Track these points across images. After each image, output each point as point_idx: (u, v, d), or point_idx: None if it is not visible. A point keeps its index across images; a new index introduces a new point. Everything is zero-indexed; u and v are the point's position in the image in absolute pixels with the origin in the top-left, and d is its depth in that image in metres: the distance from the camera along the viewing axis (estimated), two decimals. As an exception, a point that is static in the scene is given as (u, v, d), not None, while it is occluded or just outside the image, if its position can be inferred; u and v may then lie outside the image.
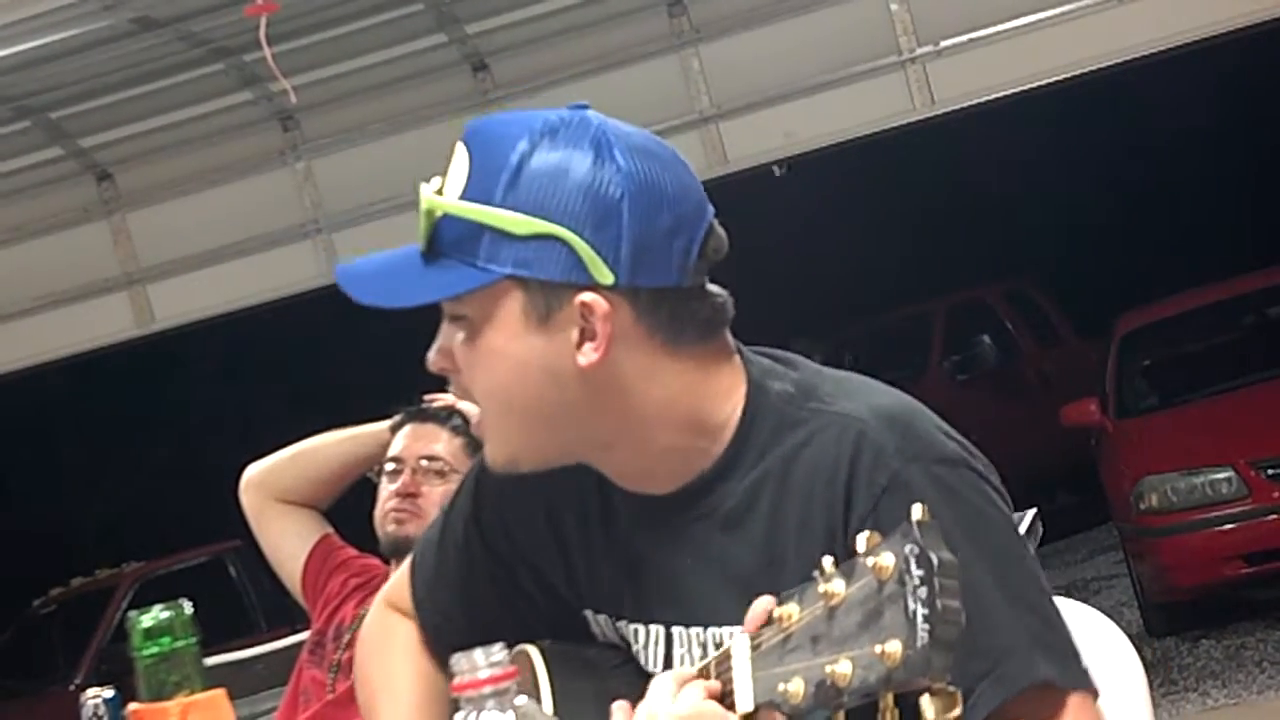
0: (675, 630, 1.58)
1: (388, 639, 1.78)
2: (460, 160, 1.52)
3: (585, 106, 1.55)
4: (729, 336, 1.58)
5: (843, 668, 1.19)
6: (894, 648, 1.15)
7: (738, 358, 1.60)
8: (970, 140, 11.86)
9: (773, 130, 7.24)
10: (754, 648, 1.29)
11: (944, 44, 7.03)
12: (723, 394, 1.56)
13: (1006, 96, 7.16)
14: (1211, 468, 7.84)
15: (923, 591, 1.15)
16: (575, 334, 1.49)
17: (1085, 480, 9.51)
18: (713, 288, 1.56)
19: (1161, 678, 7.32)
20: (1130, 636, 2.06)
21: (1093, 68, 7.08)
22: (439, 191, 1.52)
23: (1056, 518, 6.99)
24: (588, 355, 1.49)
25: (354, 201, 7.42)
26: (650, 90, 7.28)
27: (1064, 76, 7.11)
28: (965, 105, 7.17)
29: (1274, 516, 7.66)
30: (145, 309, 7.66)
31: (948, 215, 14.95)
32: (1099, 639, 2.04)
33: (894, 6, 7.03)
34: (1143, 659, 2.03)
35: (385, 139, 7.46)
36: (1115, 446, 8.57)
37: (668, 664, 1.59)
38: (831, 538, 1.48)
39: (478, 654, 1.31)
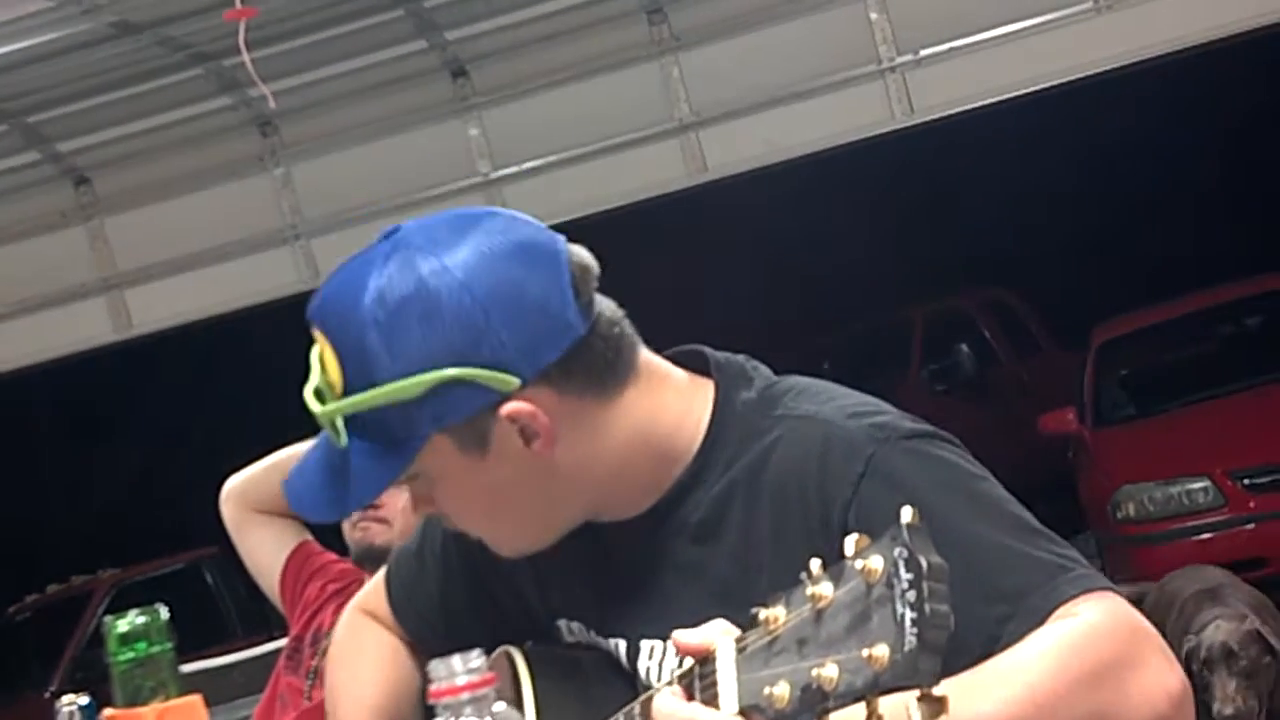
0: (644, 643, 1.58)
1: (357, 646, 1.79)
2: (325, 349, 1.50)
3: (395, 230, 1.52)
4: (647, 355, 1.57)
5: (829, 671, 1.17)
6: (881, 651, 1.14)
7: (679, 373, 1.60)
8: (949, 149, 11.88)
9: (753, 138, 7.24)
10: (739, 651, 1.27)
11: (923, 53, 7.05)
12: (679, 416, 1.57)
13: (986, 106, 7.18)
14: (1188, 477, 7.86)
15: (911, 595, 1.13)
16: (518, 440, 1.50)
17: (1062, 489, 9.53)
18: (603, 313, 1.53)
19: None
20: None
21: (1072, 78, 7.09)
22: (319, 393, 1.50)
23: (1034, 526, 7.01)
24: (539, 451, 1.51)
25: (333, 207, 7.41)
26: (630, 98, 7.28)
27: (1043, 86, 7.12)
28: (945, 114, 7.18)
29: (1251, 526, 7.69)
30: (123, 314, 7.64)
31: (927, 224, 14.98)
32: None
33: (874, 15, 7.04)
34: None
35: (364, 145, 7.45)
36: (1092, 456, 8.59)
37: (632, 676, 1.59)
38: (810, 538, 1.48)
39: (455, 660, 1.31)
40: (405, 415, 1.47)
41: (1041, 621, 1.39)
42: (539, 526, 1.58)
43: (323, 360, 1.50)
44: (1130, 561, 7.98)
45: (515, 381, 1.47)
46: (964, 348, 12.16)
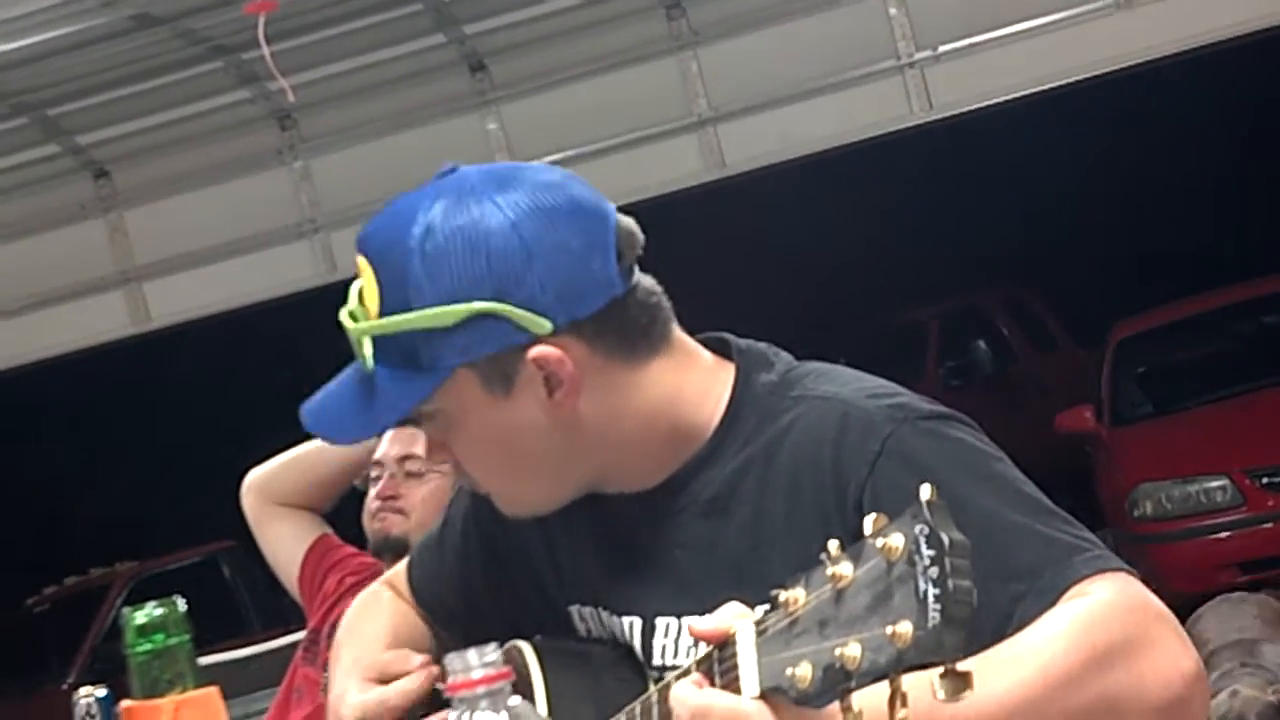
0: (659, 621, 1.58)
1: (374, 604, 1.82)
2: (366, 275, 1.53)
3: (454, 169, 1.55)
4: (680, 333, 1.59)
5: (852, 650, 1.16)
6: (904, 629, 1.13)
7: (706, 354, 1.61)
8: (968, 146, 11.87)
9: (771, 133, 7.24)
10: (759, 633, 1.27)
11: (942, 49, 7.03)
12: (701, 395, 1.58)
13: (1004, 102, 7.16)
14: (1206, 476, 7.84)
15: (934, 571, 1.13)
16: (542, 388, 1.51)
17: (1080, 487, 9.51)
18: (642, 282, 1.56)
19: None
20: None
21: (1091, 74, 7.08)
22: (354, 314, 1.53)
23: (1051, 524, 7.01)
24: (561, 401, 1.51)
25: (351, 201, 7.41)
26: (648, 92, 7.28)
27: (1062, 82, 7.10)
28: (963, 110, 7.17)
29: (1269, 525, 7.67)
30: (141, 307, 7.65)
31: (944, 221, 14.96)
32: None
33: (892, 11, 7.03)
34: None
35: (383, 139, 7.46)
36: (1110, 454, 8.57)
37: (646, 656, 1.59)
38: (825, 518, 1.48)
39: (471, 654, 1.31)
40: (435, 343, 1.49)
41: (1054, 600, 1.39)
42: (548, 483, 1.58)
43: (362, 285, 1.53)
44: (1148, 560, 7.96)
45: (548, 325, 1.49)
46: (981, 345, 12.16)
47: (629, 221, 1.55)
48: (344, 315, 1.54)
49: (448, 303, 1.48)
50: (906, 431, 1.50)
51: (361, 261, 1.54)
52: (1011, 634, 1.37)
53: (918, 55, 7.04)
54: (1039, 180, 14.70)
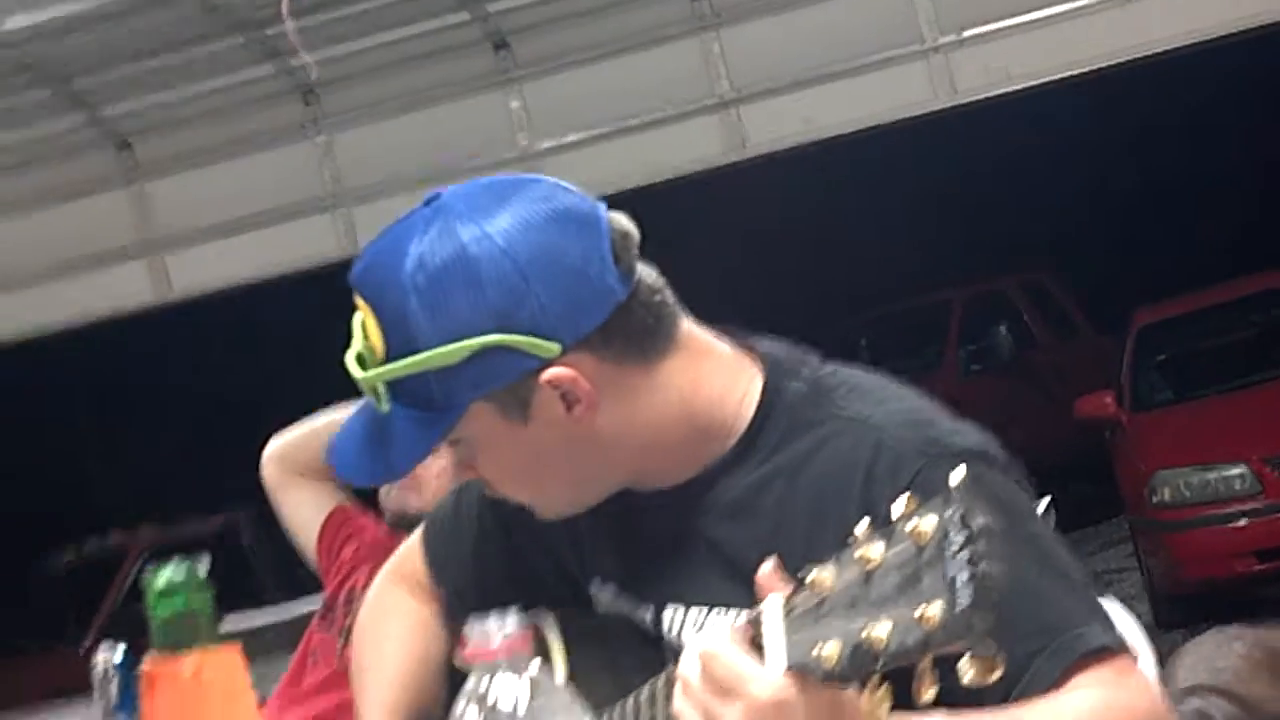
0: (667, 610, 1.59)
1: (385, 617, 1.81)
2: (368, 319, 1.51)
3: (436, 196, 1.52)
4: (690, 325, 1.57)
5: (880, 631, 1.17)
6: (934, 611, 1.14)
7: (724, 346, 1.59)
8: (991, 131, 11.82)
9: (792, 116, 7.22)
10: (787, 612, 1.27)
11: (966, 34, 7.01)
12: (722, 390, 1.56)
13: (1028, 88, 7.14)
14: (1225, 463, 7.83)
15: (964, 555, 1.14)
16: (559, 407, 1.50)
17: (1099, 473, 9.50)
18: (644, 280, 1.53)
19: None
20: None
21: (1115, 61, 7.05)
22: (361, 358, 1.51)
23: (1069, 510, 6.96)
24: (580, 417, 1.50)
25: (373, 177, 7.43)
26: (670, 73, 7.27)
27: (1086, 69, 7.08)
28: (986, 96, 7.14)
29: (1286, 514, 7.65)
30: (163, 277, 7.69)
31: (966, 206, 14.92)
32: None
33: (917, -6, 7.02)
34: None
35: (405, 115, 7.46)
36: (1130, 440, 8.57)
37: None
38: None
39: (492, 622, 1.32)
40: (446, 382, 1.47)
41: (1068, 664, 1.41)
42: (579, 491, 1.58)
43: (364, 326, 1.51)
44: (1165, 546, 7.96)
45: (556, 348, 1.47)
46: (1002, 329, 12.13)
47: (622, 219, 1.53)
48: (351, 360, 1.51)
49: (451, 341, 1.45)
50: (936, 469, 1.47)
51: (360, 301, 1.51)
52: (1022, 688, 1.39)
53: (942, 40, 7.01)
54: (1062, 166, 14.66)
